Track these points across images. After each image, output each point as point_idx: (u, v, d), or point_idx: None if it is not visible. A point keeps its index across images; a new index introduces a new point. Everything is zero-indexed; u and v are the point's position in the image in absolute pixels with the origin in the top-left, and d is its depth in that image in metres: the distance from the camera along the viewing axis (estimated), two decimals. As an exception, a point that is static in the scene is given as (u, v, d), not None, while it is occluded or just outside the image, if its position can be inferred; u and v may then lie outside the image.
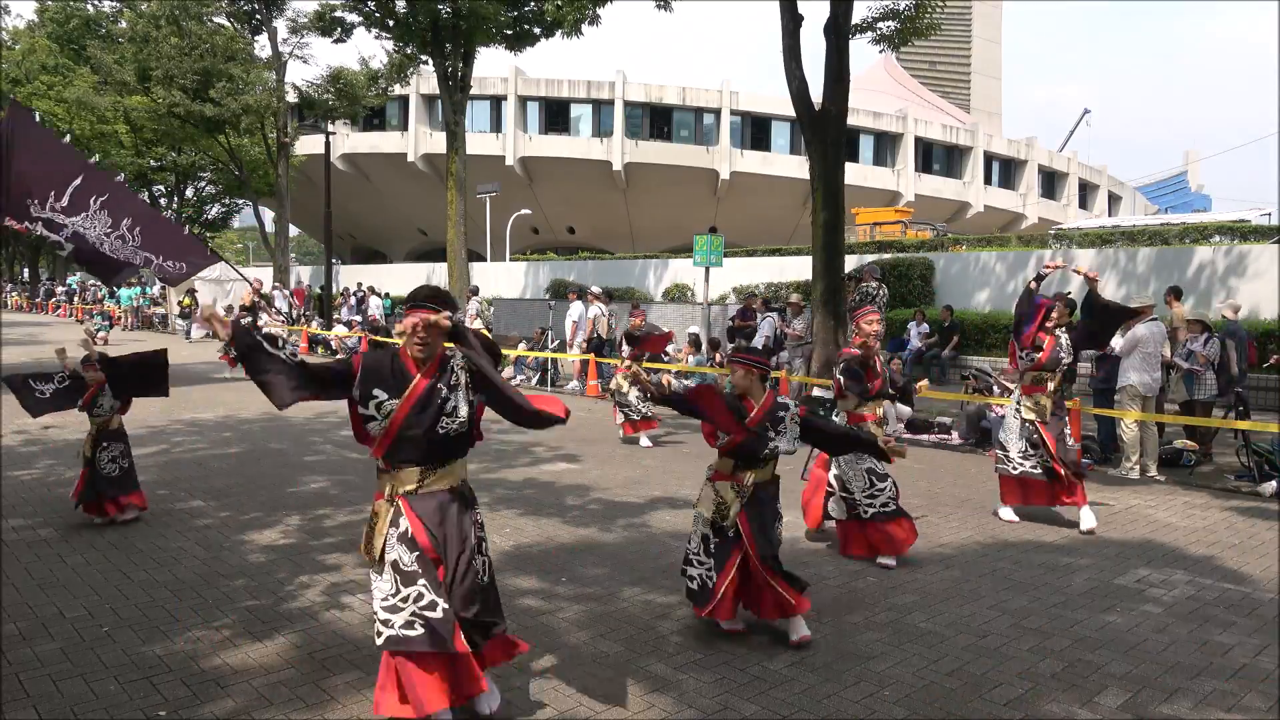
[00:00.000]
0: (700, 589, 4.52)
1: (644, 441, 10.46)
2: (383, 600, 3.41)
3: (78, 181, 4.24)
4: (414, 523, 3.44)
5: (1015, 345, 7.09)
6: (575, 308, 16.28)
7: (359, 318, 22.92)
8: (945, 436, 11.08)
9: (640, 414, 10.37)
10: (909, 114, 45.37)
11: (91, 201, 4.25)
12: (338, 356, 16.39)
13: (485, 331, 18.28)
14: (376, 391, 3.42)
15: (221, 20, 30.03)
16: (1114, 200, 54.44)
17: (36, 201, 4.20)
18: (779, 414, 4.55)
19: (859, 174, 39.06)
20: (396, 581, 3.39)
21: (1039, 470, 6.84)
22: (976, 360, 14.38)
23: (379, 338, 20.87)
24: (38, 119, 4.42)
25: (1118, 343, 9.06)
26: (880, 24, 13.69)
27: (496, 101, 43.52)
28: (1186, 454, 9.46)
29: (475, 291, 19.64)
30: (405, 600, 3.37)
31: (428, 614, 3.36)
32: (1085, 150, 63.00)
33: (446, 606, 3.38)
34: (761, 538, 4.45)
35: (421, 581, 3.38)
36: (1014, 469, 6.97)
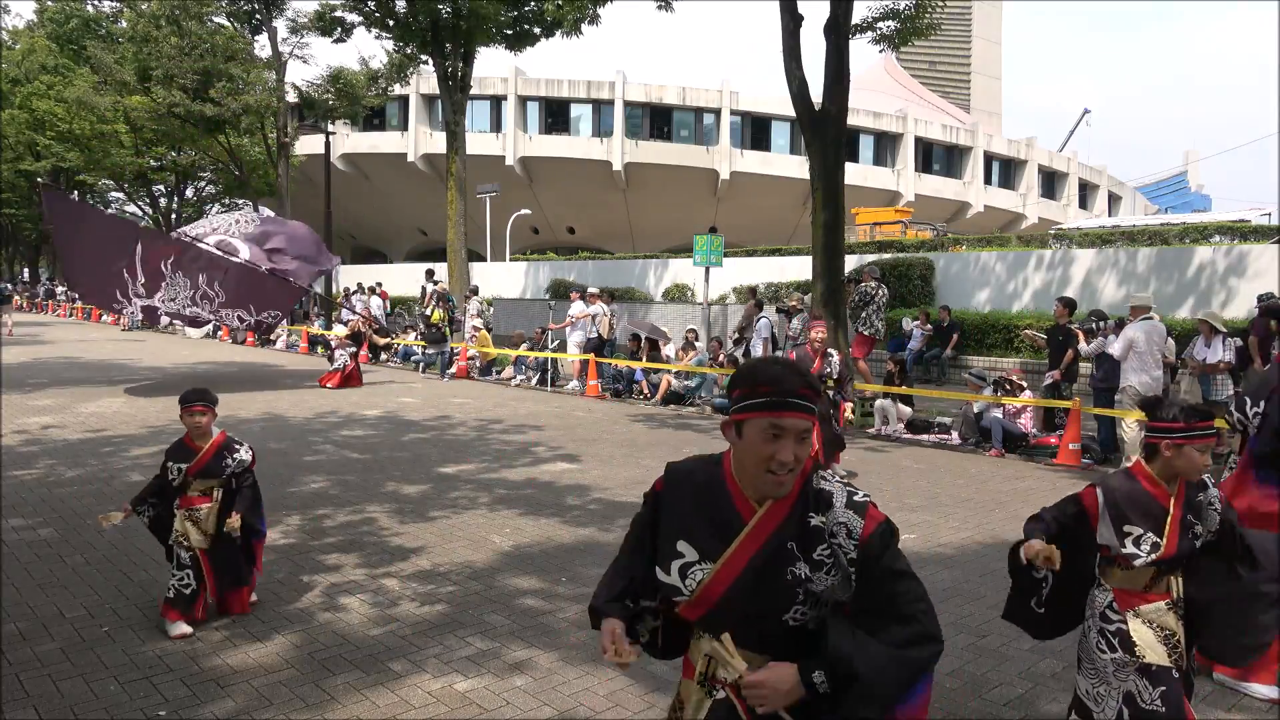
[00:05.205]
0: None
1: None
2: None
3: (139, 250, 4.14)
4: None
5: None
6: (576, 306, 16.74)
7: (358, 317, 22.88)
8: (945, 436, 11.09)
9: None
10: (909, 114, 45.37)
11: (164, 267, 4.12)
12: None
13: (485, 332, 18.32)
14: (680, 545, 2.01)
15: (221, 20, 30.07)
16: (1114, 200, 54.45)
17: (118, 292, 4.17)
18: (1197, 497, 3.07)
19: (859, 174, 39.06)
20: None
21: None
22: (977, 360, 14.38)
23: (380, 338, 20.89)
24: (74, 196, 3.96)
25: (1114, 346, 9.06)
26: (880, 24, 13.72)
27: (496, 101, 43.54)
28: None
29: (475, 291, 19.67)
30: None
31: None
32: (1085, 150, 63.01)
33: None
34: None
35: None
36: None
